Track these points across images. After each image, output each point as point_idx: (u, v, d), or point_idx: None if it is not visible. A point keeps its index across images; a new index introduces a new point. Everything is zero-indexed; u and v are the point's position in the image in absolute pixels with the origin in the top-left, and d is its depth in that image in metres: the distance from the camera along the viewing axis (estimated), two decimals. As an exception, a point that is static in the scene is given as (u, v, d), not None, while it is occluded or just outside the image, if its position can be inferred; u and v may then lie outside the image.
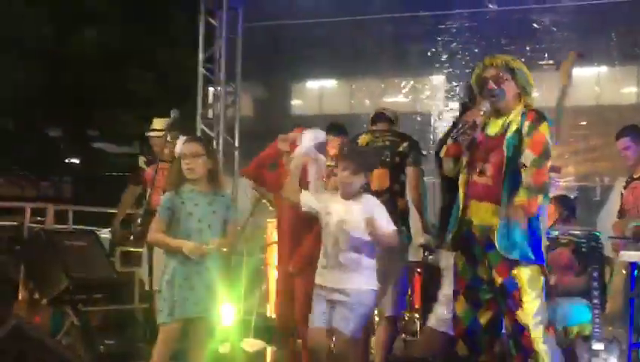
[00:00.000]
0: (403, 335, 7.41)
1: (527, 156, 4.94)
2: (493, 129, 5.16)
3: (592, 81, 9.65)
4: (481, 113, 5.05)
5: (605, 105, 9.74)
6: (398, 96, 10.27)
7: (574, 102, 9.09)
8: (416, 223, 6.63)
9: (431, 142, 9.75)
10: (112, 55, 17.97)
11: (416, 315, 7.14)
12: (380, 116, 6.83)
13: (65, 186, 24.47)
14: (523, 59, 8.71)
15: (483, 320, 5.18)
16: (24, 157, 20.67)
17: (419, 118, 9.96)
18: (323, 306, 5.22)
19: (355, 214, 5.17)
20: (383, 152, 6.42)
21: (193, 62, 10.42)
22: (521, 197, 4.88)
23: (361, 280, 5.20)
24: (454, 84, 9.72)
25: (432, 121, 9.86)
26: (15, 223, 12.28)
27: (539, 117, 5.05)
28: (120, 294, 8.69)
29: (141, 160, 8.10)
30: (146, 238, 5.72)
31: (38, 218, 10.09)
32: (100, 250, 8.05)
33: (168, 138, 5.80)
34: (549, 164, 5.03)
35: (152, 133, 7.96)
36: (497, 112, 5.13)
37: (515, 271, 4.98)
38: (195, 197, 5.38)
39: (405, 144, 6.57)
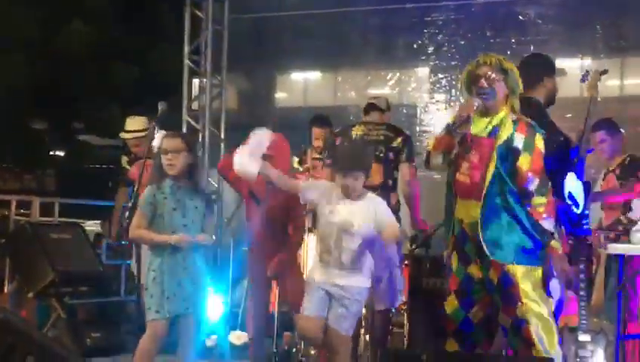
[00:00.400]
0: (391, 328, 7.43)
1: (533, 181, 4.98)
2: (477, 127, 5.14)
3: (577, 73, 9.66)
4: (475, 107, 5.06)
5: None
6: (383, 88, 10.25)
7: (559, 94, 9.16)
8: (404, 216, 6.65)
9: (417, 134, 9.77)
10: (97, 47, 17.90)
11: (404, 307, 7.13)
12: (371, 106, 6.83)
13: (48, 179, 24.39)
14: (508, 52, 8.89)
15: (476, 319, 5.19)
16: (8, 150, 20.55)
17: (405, 110, 9.96)
18: (319, 294, 5.25)
19: (359, 216, 5.18)
20: (376, 147, 6.41)
21: (178, 55, 10.37)
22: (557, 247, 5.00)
23: (359, 279, 5.26)
24: (440, 76, 9.73)
25: (419, 113, 9.86)
26: (-1, 215, 12.29)
27: (532, 130, 5.06)
28: (106, 287, 8.68)
29: (124, 160, 8.06)
30: (130, 234, 5.71)
31: (22, 211, 10.06)
32: (86, 243, 8.05)
33: (156, 132, 5.77)
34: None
35: (127, 135, 7.88)
36: (483, 111, 5.12)
37: (510, 267, 5.00)
38: (177, 192, 5.39)
39: (399, 139, 6.58)
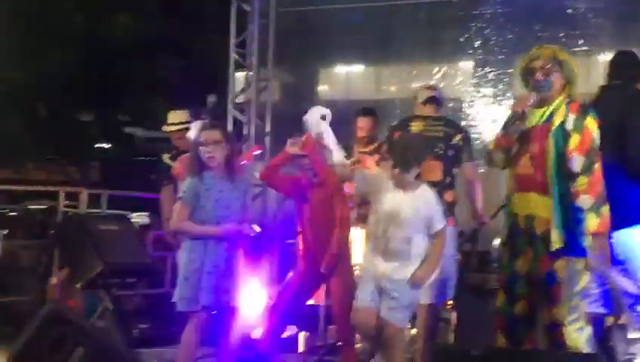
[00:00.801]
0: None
1: (577, 160, 4.92)
2: (532, 119, 5.15)
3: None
4: (529, 103, 5.03)
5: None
6: (425, 81, 10.18)
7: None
8: (460, 214, 6.62)
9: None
10: (143, 40, 18.01)
11: (450, 303, 7.09)
12: (430, 99, 6.75)
13: (93, 171, 24.58)
14: (557, 46, 8.77)
15: (522, 314, 5.19)
16: (54, 142, 20.74)
17: (451, 105, 9.86)
18: (371, 286, 5.27)
19: (408, 207, 5.21)
20: (435, 144, 6.33)
21: (224, 47, 10.40)
22: (592, 225, 4.91)
23: (408, 271, 5.24)
24: (487, 70, 9.63)
25: (464, 107, 9.78)
26: (45, 207, 12.42)
27: (584, 110, 5.05)
28: (153, 279, 8.75)
29: (165, 157, 8.06)
30: (173, 226, 5.73)
31: (69, 202, 10.14)
32: (133, 235, 8.08)
33: (199, 121, 5.82)
34: (598, 161, 4.98)
35: (170, 128, 7.90)
36: (540, 103, 5.11)
37: (556, 265, 4.97)
38: (218, 183, 5.41)
39: (459, 137, 6.50)
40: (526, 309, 5.19)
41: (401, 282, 5.22)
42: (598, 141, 5.01)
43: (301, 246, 6.63)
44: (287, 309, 6.45)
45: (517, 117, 5.09)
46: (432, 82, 9.92)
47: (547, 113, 5.09)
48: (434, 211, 5.26)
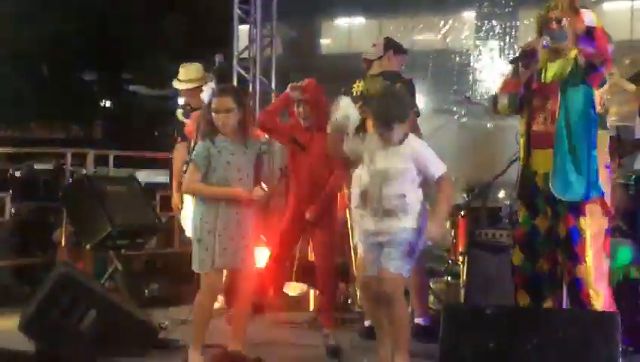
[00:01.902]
0: (448, 279, 7.42)
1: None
2: (550, 74, 5.10)
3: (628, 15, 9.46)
4: (543, 43, 4.98)
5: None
6: (436, 35, 10.12)
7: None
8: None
9: (470, 82, 9.66)
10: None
11: (461, 258, 7.10)
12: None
13: (96, 128, 24.58)
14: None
15: (542, 270, 5.15)
16: (57, 101, 20.70)
17: (457, 58, 9.83)
18: (374, 253, 5.13)
19: (398, 161, 5.08)
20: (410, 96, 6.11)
21: (226, 4, 10.31)
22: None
23: (407, 221, 5.06)
24: (494, 23, 9.57)
25: (471, 60, 9.72)
26: (51, 167, 12.39)
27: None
28: (161, 239, 8.76)
29: (179, 112, 7.98)
30: (185, 189, 5.74)
31: (74, 162, 10.10)
32: (142, 196, 8.07)
33: (212, 83, 5.76)
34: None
35: (181, 86, 7.77)
36: (554, 55, 5.04)
37: (582, 221, 4.94)
38: (230, 146, 5.39)
39: (397, 86, 6.30)
40: (547, 266, 5.16)
41: (400, 229, 5.04)
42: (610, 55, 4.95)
43: (292, 194, 6.62)
44: (278, 257, 6.61)
45: (527, 54, 5.02)
46: (438, 35, 9.90)
47: (561, 66, 5.03)
48: (426, 159, 5.07)
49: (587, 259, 4.94)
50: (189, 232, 7.53)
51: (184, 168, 5.82)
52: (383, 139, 5.12)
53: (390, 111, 5.12)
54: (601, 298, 4.94)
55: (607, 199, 5.04)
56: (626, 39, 9.22)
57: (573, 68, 4.98)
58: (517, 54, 5.18)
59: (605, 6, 9.20)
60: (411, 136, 5.21)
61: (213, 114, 5.38)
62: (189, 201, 7.25)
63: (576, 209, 4.97)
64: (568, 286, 5.07)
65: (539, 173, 5.11)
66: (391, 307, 5.07)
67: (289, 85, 6.32)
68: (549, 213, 5.07)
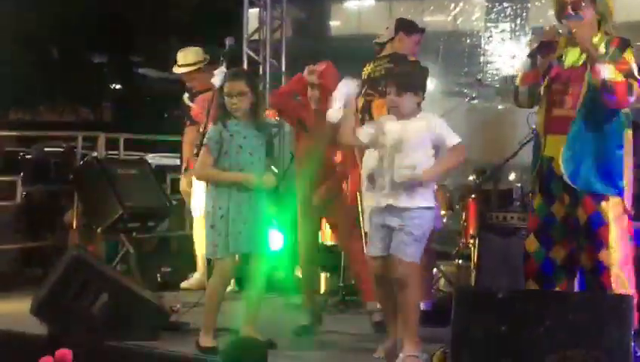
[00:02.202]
0: (459, 261, 7.42)
1: (607, 70, 4.77)
2: (570, 59, 5.03)
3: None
4: (558, 34, 4.94)
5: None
6: (447, 17, 10.04)
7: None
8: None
9: (480, 65, 9.61)
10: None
11: (472, 241, 7.10)
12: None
13: (106, 111, 24.60)
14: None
15: (558, 258, 5.10)
16: (67, 83, 20.71)
17: (467, 40, 9.77)
18: (381, 233, 5.11)
19: (411, 133, 5.04)
20: (379, 83, 6.09)
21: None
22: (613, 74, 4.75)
23: (418, 199, 5.04)
24: (505, 5, 9.50)
25: (482, 43, 9.66)
26: (62, 150, 12.40)
27: (623, 42, 4.91)
28: (173, 221, 8.77)
29: (185, 97, 8.00)
30: (197, 174, 5.74)
31: (86, 144, 10.11)
32: (153, 178, 8.07)
33: (223, 67, 5.74)
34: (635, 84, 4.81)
35: (181, 70, 7.78)
36: (574, 41, 4.95)
37: (603, 205, 4.89)
38: (242, 130, 5.40)
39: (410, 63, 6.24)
40: (563, 255, 5.10)
41: (411, 213, 5.00)
42: (635, 71, 4.83)
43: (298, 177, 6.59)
44: (303, 252, 6.46)
45: (543, 46, 4.97)
46: (448, 18, 9.84)
47: (585, 55, 4.92)
48: (441, 129, 5.03)
49: (611, 242, 4.88)
50: (195, 213, 7.60)
51: (195, 151, 5.81)
52: (394, 110, 5.11)
53: (404, 78, 5.15)
54: (626, 282, 4.90)
55: (629, 200, 4.98)
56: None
57: (606, 48, 4.88)
58: (534, 46, 5.10)
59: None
60: (424, 111, 5.20)
61: (226, 98, 5.38)
62: (197, 184, 7.29)
63: (597, 193, 4.91)
64: (589, 272, 5.00)
65: (555, 159, 5.04)
66: (403, 293, 5.05)
67: (306, 68, 6.28)
68: (567, 200, 5.01)
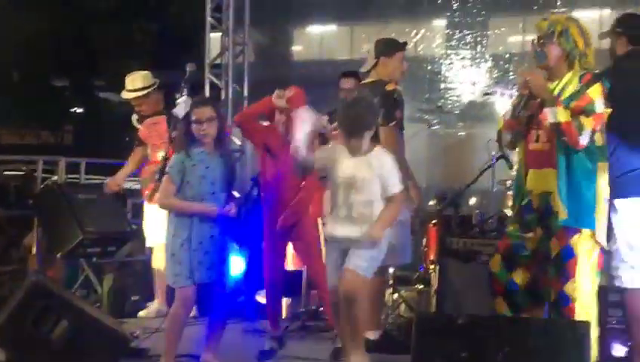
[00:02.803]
0: (420, 287, 7.45)
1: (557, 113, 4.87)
2: None
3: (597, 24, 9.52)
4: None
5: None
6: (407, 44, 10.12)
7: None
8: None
9: (440, 91, 9.69)
10: (118, 5, 17.87)
11: (432, 266, 7.13)
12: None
13: (67, 135, 24.45)
14: (535, 7, 8.76)
15: (520, 281, 5.15)
16: (29, 107, 20.58)
17: (428, 67, 9.88)
18: (338, 262, 5.13)
19: (364, 170, 5.09)
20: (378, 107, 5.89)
21: (199, 11, 10.31)
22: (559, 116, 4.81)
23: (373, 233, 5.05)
24: (465, 32, 9.62)
25: (443, 69, 9.77)
26: (22, 173, 12.29)
27: (594, 78, 4.96)
28: (133, 246, 8.70)
29: (134, 118, 7.97)
30: (159, 203, 5.72)
31: (46, 167, 10.04)
32: (114, 203, 8.04)
33: (185, 95, 5.76)
34: (593, 118, 4.86)
35: (129, 95, 7.74)
36: (550, 76, 5.03)
37: (574, 240, 4.94)
38: (205, 159, 5.40)
39: (365, 94, 6.25)
40: (526, 280, 5.15)
41: (367, 235, 5.03)
42: (595, 106, 4.88)
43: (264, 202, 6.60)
44: (268, 276, 6.46)
45: (525, 100, 5.02)
46: (410, 44, 9.92)
47: (558, 88, 5.01)
48: (389, 174, 5.09)
49: (577, 276, 4.93)
50: (149, 242, 7.58)
51: (157, 177, 5.81)
52: (349, 147, 5.13)
53: (356, 120, 5.13)
54: (590, 314, 4.95)
55: (602, 232, 5.03)
56: (594, 48, 9.28)
57: (576, 89, 4.95)
58: (516, 101, 5.12)
59: (574, 14, 9.27)
60: (380, 148, 5.23)
61: (194, 125, 5.38)
62: (150, 210, 7.30)
63: (570, 229, 4.96)
64: (553, 304, 5.04)
65: (534, 193, 5.11)
66: (351, 306, 5.06)
67: (275, 92, 6.28)
68: (539, 234, 5.08)
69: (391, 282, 7.29)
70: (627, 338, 5.44)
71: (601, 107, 4.89)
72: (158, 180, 5.70)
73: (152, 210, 7.21)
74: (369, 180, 5.08)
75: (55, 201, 7.62)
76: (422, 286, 7.45)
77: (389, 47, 6.38)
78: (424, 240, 7.53)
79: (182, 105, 5.61)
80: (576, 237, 4.95)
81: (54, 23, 17.69)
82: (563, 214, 4.93)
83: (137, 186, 9.19)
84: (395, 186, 5.10)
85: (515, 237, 5.19)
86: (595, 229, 4.97)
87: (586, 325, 4.50)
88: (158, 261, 7.27)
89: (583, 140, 4.83)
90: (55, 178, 9.32)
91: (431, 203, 7.93)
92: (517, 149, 5.29)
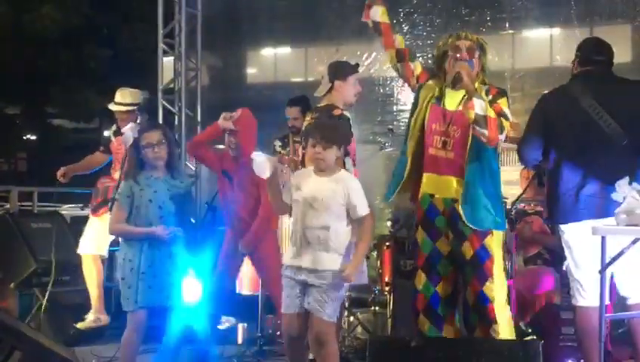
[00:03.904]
0: (375, 309, 7.47)
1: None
2: (451, 102, 5.24)
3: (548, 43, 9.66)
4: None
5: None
6: (359, 67, 10.20)
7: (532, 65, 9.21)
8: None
9: (394, 113, 9.76)
10: (69, 31, 17.78)
11: (387, 288, 7.18)
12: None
13: (21, 162, 24.25)
14: (483, 29, 8.89)
15: (442, 292, 5.27)
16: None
17: (381, 90, 9.94)
18: (296, 290, 5.08)
19: (326, 192, 5.01)
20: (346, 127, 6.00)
21: (151, 38, 10.30)
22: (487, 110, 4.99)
23: (332, 260, 5.00)
24: (417, 54, 9.68)
25: (395, 92, 9.84)
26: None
27: (501, 92, 5.26)
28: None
29: (112, 129, 7.99)
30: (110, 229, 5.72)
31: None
32: (67, 231, 8.01)
33: (138, 119, 5.80)
34: (510, 123, 5.13)
35: (118, 108, 7.74)
36: (454, 84, 5.13)
37: (488, 240, 5.11)
38: (153, 183, 5.44)
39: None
40: (448, 289, 5.28)
41: (326, 274, 4.99)
42: (506, 116, 5.10)
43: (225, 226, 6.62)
44: (218, 295, 6.47)
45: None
46: (361, 67, 9.99)
47: (465, 99, 5.12)
48: (356, 196, 5.04)
49: (494, 276, 5.11)
50: (80, 249, 7.60)
51: (110, 206, 5.84)
52: (315, 159, 5.05)
53: (332, 129, 5.16)
54: (507, 313, 5.09)
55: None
56: (546, 66, 9.43)
57: (487, 99, 5.12)
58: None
59: (525, 33, 9.43)
60: (345, 171, 5.24)
61: (146, 149, 5.40)
62: (93, 221, 7.31)
63: (482, 231, 5.13)
64: (473, 306, 5.17)
65: (437, 197, 5.23)
66: (323, 350, 5.07)
67: (222, 115, 6.31)
68: (450, 236, 5.22)
69: (347, 304, 7.30)
70: (579, 356, 5.52)
71: (510, 117, 5.16)
72: (109, 209, 5.71)
73: (94, 221, 7.52)
74: (329, 202, 4.99)
75: (7, 231, 7.61)
76: (377, 308, 7.49)
77: (343, 71, 6.38)
78: (379, 262, 7.56)
79: (129, 132, 5.63)
80: (489, 237, 5.12)
81: (5, 50, 17.55)
82: (487, 221, 5.11)
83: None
84: (364, 208, 5.06)
85: (429, 246, 5.28)
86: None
87: (536, 344, 4.57)
88: (88, 269, 7.52)
89: (500, 138, 5.05)
90: (7, 206, 9.23)
91: (386, 224, 7.99)
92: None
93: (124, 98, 7.74)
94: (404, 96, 9.64)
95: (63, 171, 7.97)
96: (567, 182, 5.24)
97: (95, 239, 7.61)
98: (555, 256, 6.41)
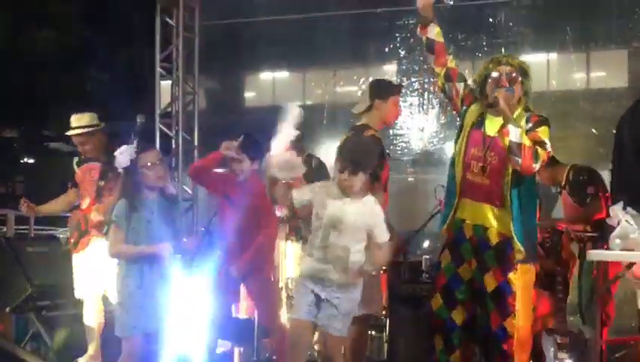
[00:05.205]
0: (372, 333, 7.44)
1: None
2: (491, 128, 5.18)
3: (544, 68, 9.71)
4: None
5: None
6: (352, 88, 10.28)
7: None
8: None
9: (390, 138, 9.78)
10: (68, 55, 17.83)
11: (383, 313, 7.16)
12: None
13: (18, 185, 24.21)
14: (479, 54, 8.93)
15: (458, 319, 5.23)
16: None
17: (377, 114, 9.95)
18: (309, 298, 5.10)
19: (351, 214, 5.03)
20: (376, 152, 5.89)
21: (149, 61, 10.32)
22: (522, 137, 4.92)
23: (347, 278, 5.06)
24: (413, 79, 9.75)
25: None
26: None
27: (542, 120, 5.13)
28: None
29: (75, 161, 7.86)
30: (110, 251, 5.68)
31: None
32: (63, 255, 7.95)
33: (128, 145, 5.75)
34: (547, 153, 5.05)
35: (75, 132, 7.58)
36: (494, 110, 5.12)
37: (511, 275, 5.05)
38: (150, 205, 5.44)
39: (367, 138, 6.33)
40: (464, 317, 5.24)
41: (340, 289, 5.05)
42: (546, 146, 5.04)
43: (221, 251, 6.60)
44: (216, 321, 6.46)
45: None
46: (358, 92, 10.04)
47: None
48: (378, 222, 5.05)
49: (517, 312, 5.06)
50: (77, 293, 7.47)
51: (105, 230, 5.82)
52: (342, 183, 5.03)
53: (357, 156, 5.05)
54: (526, 351, 5.06)
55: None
56: (542, 90, 9.47)
57: (526, 128, 5.07)
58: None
59: (521, 58, 9.46)
60: (369, 195, 5.17)
61: (143, 170, 5.41)
62: (77, 260, 7.26)
63: (506, 265, 5.08)
64: (491, 337, 5.12)
65: (467, 223, 5.19)
66: (328, 360, 5.13)
67: (223, 144, 6.29)
68: (474, 265, 5.17)
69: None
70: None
71: (549, 147, 5.05)
72: (105, 233, 5.70)
73: (80, 259, 7.23)
74: (353, 226, 5.02)
75: (2, 256, 7.56)
76: (374, 332, 7.47)
77: (384, 90, 6.32)
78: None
79: (124, 154, 5.57)
80: (512, 274, 5.06)
81: (3, 73, 17.59)
82: (520, 254, 5.03)
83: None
84: (384, 235, 5.07)
85: (451, 272, 5.26)
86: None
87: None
88: (89, 315, 7.24)
89: (535, 167, 4.97)
90: (4, 229, 9.23)
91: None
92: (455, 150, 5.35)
93: (79, 122, 7.57)
94: (401, 121, 9.66)
95: (32, 206, 7.64)
96: None
97: (86, 280, 7.32)
98: (551, 279, 6.40)
